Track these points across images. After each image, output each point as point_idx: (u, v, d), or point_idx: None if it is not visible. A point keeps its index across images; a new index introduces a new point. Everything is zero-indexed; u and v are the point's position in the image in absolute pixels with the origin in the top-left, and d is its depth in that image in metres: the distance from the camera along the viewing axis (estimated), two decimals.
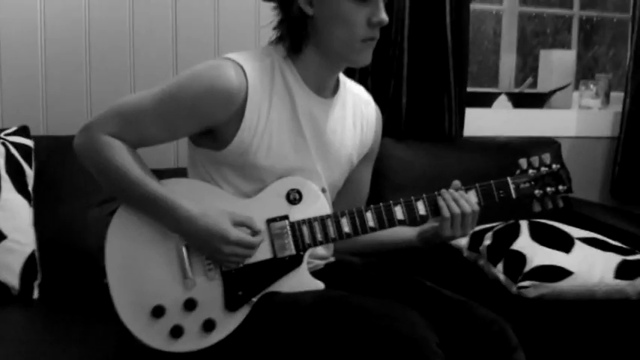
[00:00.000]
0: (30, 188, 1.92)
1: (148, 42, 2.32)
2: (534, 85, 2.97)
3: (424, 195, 1.53)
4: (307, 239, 1.48)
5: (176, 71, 2.33)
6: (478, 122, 2.66)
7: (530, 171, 1.58)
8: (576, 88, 2.99)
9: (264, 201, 1.48)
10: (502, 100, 2.84)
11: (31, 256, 1.86)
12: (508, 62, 2.96)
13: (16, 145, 1.93)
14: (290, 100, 1.49)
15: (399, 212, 1.52)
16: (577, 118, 2.84)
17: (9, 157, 1.90)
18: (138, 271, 1.45)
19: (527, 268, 1.93)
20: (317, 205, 1.51)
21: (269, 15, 1.52)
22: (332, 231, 1.49)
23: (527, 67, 3.17)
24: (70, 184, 2.02)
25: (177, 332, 1.43)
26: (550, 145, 2.54)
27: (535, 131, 2.69)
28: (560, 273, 1.91)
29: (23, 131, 1.97)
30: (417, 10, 2.45)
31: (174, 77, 1.48)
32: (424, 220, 1.55)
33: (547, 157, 1.59)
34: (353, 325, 1.34)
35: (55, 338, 1.64)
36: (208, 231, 1.41)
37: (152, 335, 1.44)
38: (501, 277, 1.97)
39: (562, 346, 1.93)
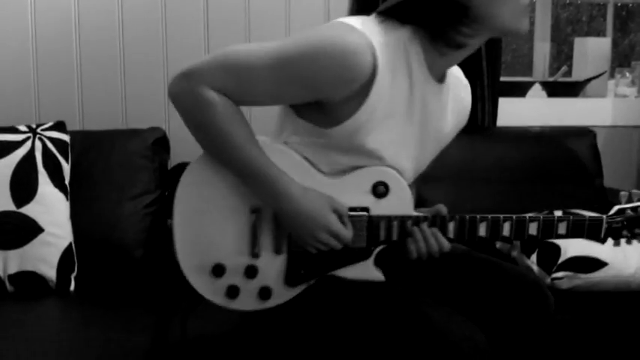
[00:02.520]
0: (66, 182, 1.95)
1: (181, 35, 2.35)
2: (569, 73, 2.93)
3: (514, 216, 1.43)
4: (382, 237, 1.43)
5: None
6: (512, 112, 2.64)
7: (628, 210, 1.47)
8: (612, 76, 2.94)
9: (349, 186, 1.41)
10: (536, 89, 2.81)
11: (68, 249, 1.89)
12: (542, 51, 2.93)
13: (52, 139, 1.96)
14: (409, 84, 1.37)
15: (482, 229, 1.43)
16: (612, 107, 2.79)
17: (46, 151, 1.93)
18: (206, 224, 1.42)
19: (561, 259, 1.91)
20: (401, 202, 1.44)
21: None
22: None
23: (562, 55, 3.12)
24: (105, 178, 2.05)
25: (233, 292, 1.42)
26: (585, 134, 2.50)
27: (570, 120, 2.66)
28: (594, 264, 1.89)
29: (59, 126, 2.01)
30: None
31: (293, 37, 1.34)
32: (506, 240, 1.51)
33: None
34: (409, 328, 1.35)
35: (91, 330, 1.66)
36: (309, 214, 1.36)
37: (209, 290, 1.43)
38: (535, 268, 1.96)
39: (595, 337, 1.90)
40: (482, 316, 1.43)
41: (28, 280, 1.85)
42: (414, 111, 1.40)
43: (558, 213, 2.08)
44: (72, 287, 1.89)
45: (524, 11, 1.35)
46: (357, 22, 1.31)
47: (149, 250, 2.04)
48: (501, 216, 1.43)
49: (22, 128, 1.98)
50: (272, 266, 1.43)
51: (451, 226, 1.43)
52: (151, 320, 1.69)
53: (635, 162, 2.85)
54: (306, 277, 1.43)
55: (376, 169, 1.41)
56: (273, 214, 1.41)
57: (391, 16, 1.35)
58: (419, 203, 1.55)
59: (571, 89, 2.81)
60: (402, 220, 1.42)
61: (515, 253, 2.06)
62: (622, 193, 1.51)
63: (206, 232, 1.42)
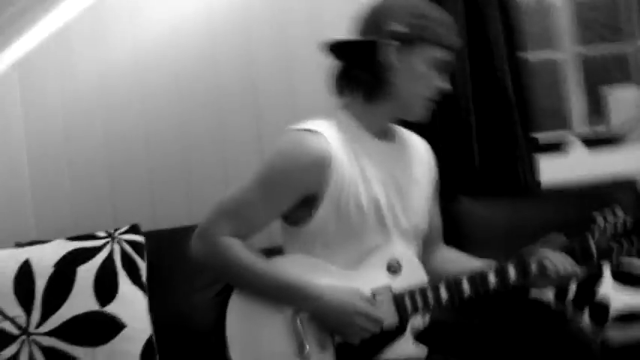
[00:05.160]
0: (144, 279, 2.14)
1: (235, 136, 2.57)
2: (608, 124, 3.00)
3: (515, 259, 1.62)
4: (409, 309, 1.59)
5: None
6: (554, 168, 2.71)
7: (608, 226, 1.64)
8: None
9: (366, 272, 1.60)
10: (576, 144, 2.88)
11: (149, 342, 2.06)
12: (577, 105, 3.02)
13: (129, 242, 2.16)
14: (362, 149, 1.62)
15: (492, 279, 1.61)
16: None
17: (124, 254, 2.13)
18: (257, 348, 1.57)
19: (611, 315, 1.98)
20: (416, 274, 1.63)
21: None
22: (431, 300, 1.59)
23: (600, 105, 3.18)
24: (177, 272, 2.23)
25: None
26: (626, 184, 2.56)
27: (613, 171, 2.69)
28: None
29: (134, 229, 2.21)
30: (477, 71, 2.58)
31: (261, 164, 1.61)
32: (515, 284, 1.63)
33: (619, 210, 1.66)
34: None
35: None
36: (340, 308, 1.53)
37: None
38: (587, 326, 2.02)
39: None
40: None
41: None
42: (378, 170, 1.62)
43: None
44: None
45: (428, 103, 1.64)
46: (308, 123, 1.59)
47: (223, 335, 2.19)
48: (503, 264, 1.61)
49: (101, 234, 2.18)
50: None
51: (465, 284, 1.60)
52: None
53: None
54: None
55: (384, 250, 1.61)
56: (309, 316, 1.57)
57: (336, 83, 1.66)
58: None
59: (610, 140, 2.87)
60: (423, 290, 1.59)
61: (569, 313, 2.13)
62: (595, 214, 1.65)
63: (259, 352, 1.57)
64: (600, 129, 2.96)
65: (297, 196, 1.58)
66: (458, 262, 1.79)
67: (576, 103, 3.02)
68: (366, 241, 1.61)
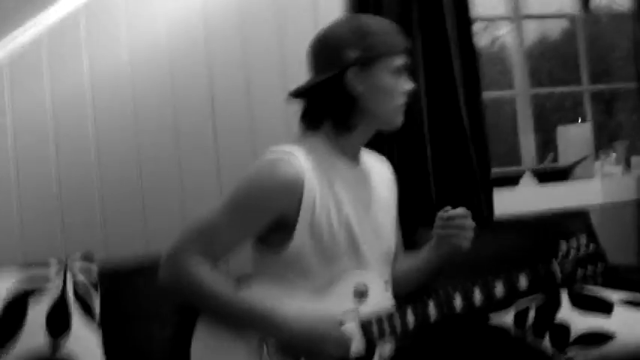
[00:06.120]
0: (97, 312, 2.07)
1: (192, 164, 2.55)
2: (556, 159, 3.10)
3: (480, 281, 1.64)
4: (376, 334, 1.58)
5: (222, 186, 2.54)
6: (507, 201, 2.79)
7: (571, 252, 1.69)
8: (597, 157, 3.11)
9: (334, 298, 1.58)
10: (528, 178, 2.97)
11: None
12: (528, 141, 3.11)
13: (81, 272, 2.09)
14: (335, 174, 1.62)
15: (457, 301, 1.62)
16: (601, 186, 2.95)
17: (76, 285, 2.06)
18: None
19: (572, 337, 2.00)
20: (382, 297, 1.63)
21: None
22: (398, 325, 1.59)
23: (551, 142, 3.30)
24: (133, 305, 2.17)
25: None
26: (579, 215, 2.63)
27: (563, 203, 2.79)
28: (603, 337, 1.98)
29: (87, 258, 2.14)
30: (436, 108, 2.65)
31: (234, 187, 1.59)
32: (480, 307, 1.64)
33: (584, 238, 1.71)
34: None
35: None
36: (309, 332, 1.52)
37: None
38: (549, 350, 2.04)
39: None
40: None
41: None
42: (349, 193, 1.62)
43: (564, 291, 2.20)
44: None
45: (401, 109, 1.65)
46: (282, 147, 1.59)
47: None
48: (469, 284, 1.63)
49: (53, 262, 2.10)
50: None
51: (431, 306, 1.61)
52: None
53: (631, 235, 2.97)
54: None
55: (352, 275, 1.60)
56: (276, 343, 1.54)
57: (305, 122, 1.66)
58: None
59: (560, 174, 2.97)
60: (390, 315, 1.59)
61: (529, 338, 2.15)
62: (561, 243, 1.70)
63: None
64: (551, 164, 3.05)
65: (268, 221, 1.56)
66: (405, 263, 1.81)
67: (528, 140, 3.11)
68: (338, 265, 1.60)
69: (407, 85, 1.65)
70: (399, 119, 1.66)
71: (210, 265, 1.54)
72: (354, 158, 1.69)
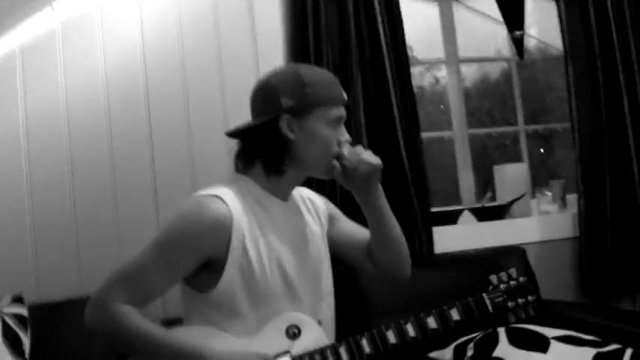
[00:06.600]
0: (27, 355, 2.00)
1: (130, 203, 2.51)
2: (494, 198, 3.16)
3: (412, 317, 1.66)
4: None
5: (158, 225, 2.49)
6: (447, 238, 2.83)
7: (502, 285, 1.73)
8: (534, 196, 3.18)
9: (265, 339, 1.58)
10: (467, 216, 3.01)
11: None
12: (466, 179, 3.17)
13: (11, 314, 2.02)
14: (265, 214, 1.63)
15: (391, 336, 1.63)
16: (538, 224, 3.01)
17: (5, 327, 1.99)
18: None
19: None
20: (315, 337, 1.62)
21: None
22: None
23: (487, 182, 3.36)
24: (64, 348, 2.11)
25: None
26: (515, 252, 2.69)
27: (501, 241, 2.85)
28: None
29: (17, 300, 2.08)
30: (375, 148, 2.65)
31: (160, 229, 1.58)
32: (414, 342, 1.65)
33: (513, 272, 1.75)
34: None
35: None
36: None
37: None
38: None
39: None
40: None
41: None
42: (280, 230, 1.64)
43: (502, 330, 2.22)
44: None
45: (332, 160, 1.66)
46: (210, 189, 1.60)
47: None
48: (402, 321, 1.64)
49: None
50: None
51: (364, 342, 1.61)
52: None
53: (567, 272, 3.03)
54: None
55: (283, 316, 1.61)
56: None
57: (238, 161, 1.69)
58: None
59: (498, 212, 3.03)
60: (322, 351, 1.59)
61: None
62: (491, 277, 1.74)
63: None
64: (489, 202, 3.10)
65: (196, 261, 1.56)
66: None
67: (467, 178, 3.17)
68: (270, 306, 1.59)
69: (342, 136, 1.68)
70: (329, 169, 1.67)
71: (138, 308, 1.52)
72: (284, 197, 1.70)
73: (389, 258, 1.78)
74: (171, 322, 1.64)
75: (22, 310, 2.06)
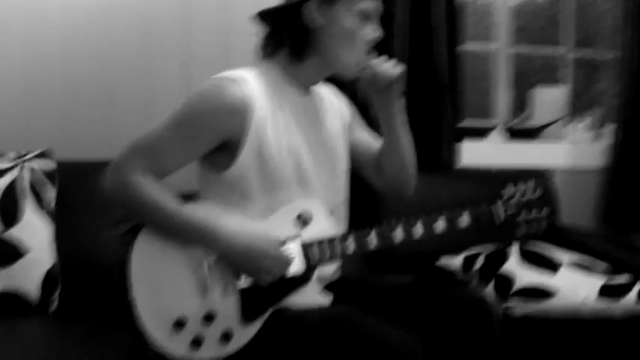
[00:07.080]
0: (52, 207, 2.07)
1: (162, 67, 2.52)
2: (529, 119, 3.11)
3: (421, 218, 1.64)
4: (316, 258, 1.60)
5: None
6: (474, 153, 2.81)
7: (517, 196, 1.70)
8: (571, 122, 3.13)
9: (277, 222, 1.60)
10: (498, 133, 2.98)
11: (50, 271, 2.00)
12: (503, 98, 3.11)
13: (40, 168, 2.08)
14: (285, 101, 1.63)
15: (399, 233, 1.63)
16: (569, 150, 2.97)
17: (32, 178, 2.05)
18: (161, 288, 1.55)
19: (514, 289, 2.05)
20: (326, 226, 1.63)
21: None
22: (339, 250, 1.61)
23: (525, 103, 3.31)
24: (88, 206, 2.17)
25: (197, 343, 1.53)
26: (538, 176, 2.65)
27: (528, 162, 2.83)
28: (545, 293, 2.03)
29: (47, 154, 2.13)
30: (415, 54, 2.63)
31: (181, 104, 1.59)
32: (420, 240, 1.65)
33: (530, 185, 1.72)
34: (353, 342, 1.46)
35: (68, 348, 1.76)
36: (250, 247, 1.53)
37: (174, 346, 1.53)
38: (491, 297, 2.09)
39: None
40: (428, 335, 1.55)
41: (10, 300, 1.95)
42: (298, 120, 1.64)
43: (515, 246, 2.24)
44: (53, 307, 1.99)
45: (355, 58, 1.62)
46: (233, 72, 1.59)
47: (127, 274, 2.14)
48: (412, 217, 1.63)
49: (11, 155, 2.09)
50: (227, 307, 1.55)
51: (372, 235, 1.61)
52: (127, 338, 1.77)
53: (590, 201, 3.02)
54: (260, 310, 1.56)
55: (296, 202, 1.61)
56: (216, 259, 1.55)
57: (262, 48, 1.67)
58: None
59: (530, 133, 2.99)
60: (331, 241, 1.60)
61: (474, 283, 2.20)
62: (507, 187, 1.71)
63: (162, 294, 1.55)
64: (522, 123, 3.06)
65: (214, 141, 1.57)
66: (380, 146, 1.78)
67: (503, 96, 3.11)
68: (282, 193, 1.61)
69: (372, 32, 1.63)
70: (352, 68, 1.64)
71: (155, 179, 1.54)
72: (306, 89, 1.69)
73: (393, 170, 1.76)
74: (189, 197, 1.65)
75: (51, 164, 2.11)
